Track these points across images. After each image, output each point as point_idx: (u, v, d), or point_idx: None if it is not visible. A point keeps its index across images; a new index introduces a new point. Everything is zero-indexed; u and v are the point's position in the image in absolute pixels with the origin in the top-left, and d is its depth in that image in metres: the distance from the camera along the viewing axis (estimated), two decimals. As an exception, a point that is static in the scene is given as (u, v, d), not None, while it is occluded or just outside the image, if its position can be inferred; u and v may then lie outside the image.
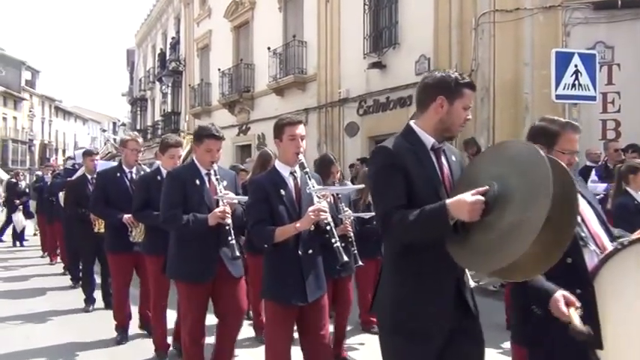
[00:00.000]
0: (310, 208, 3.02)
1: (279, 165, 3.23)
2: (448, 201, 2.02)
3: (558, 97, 6.84)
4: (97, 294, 6.61)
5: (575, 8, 9.17)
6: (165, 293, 4.62)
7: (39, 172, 16.02)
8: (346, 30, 13.30)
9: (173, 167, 4.31)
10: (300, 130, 3.17)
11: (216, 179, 3.67)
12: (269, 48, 15.75)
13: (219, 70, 18.96)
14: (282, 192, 3.12)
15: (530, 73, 9.25)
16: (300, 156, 3.16)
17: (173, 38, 25.68)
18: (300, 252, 3.10)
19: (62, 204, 8.01)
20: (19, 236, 13.27)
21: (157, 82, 27.09)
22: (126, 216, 4.88)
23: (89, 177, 6.49)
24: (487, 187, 1.98)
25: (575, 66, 6.73)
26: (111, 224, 5.14)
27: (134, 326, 5.45)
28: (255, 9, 17.63)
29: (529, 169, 1.90)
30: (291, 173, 3.21)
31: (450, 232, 2.02)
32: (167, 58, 25.82)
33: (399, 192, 2.15)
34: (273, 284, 3.13)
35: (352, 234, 4.14)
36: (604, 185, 6.58)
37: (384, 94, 11.95)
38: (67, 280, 8.40)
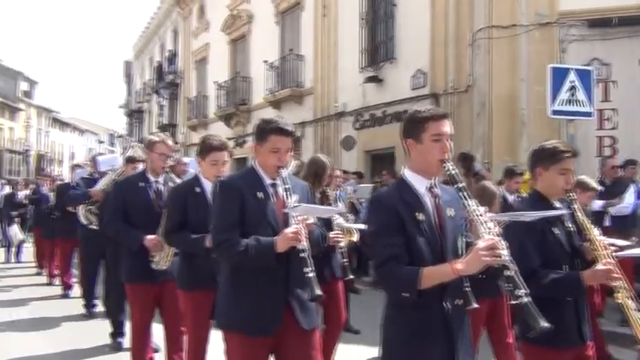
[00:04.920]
0: (482, 243, 1.98)
1: (411, 176, 2.28)
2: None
3: (554, 112, 6.81)
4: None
5: (571, 25, 9.18)
6: (206, 338, 3.62)
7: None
8: (343, 44, 13.32)
9: (216, 176, 3.43)
10: (448, 127, 2.24)
11: (286, 189, 2.69)
12: (266, 61, 15.78)
13: (215, 82, 18.98)
14: (420, 216, 2.18)
15: (526, 88, 9.22)
16: (449, 164, 2.20)
17: (170, 51, 25.76)
18: (447, 304, 2.17)
19: (82, 219, 6.60)
20: (16, 251, 12.11)
21: (154, 94, 27.12)
22: (149, 237, 3.90)
23: None
24: None
25: (572, 82, 6.72)
26: (128, 247, 4.14)
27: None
28: (252, 23, 17.71)
29: None
30: (429, 189, 2.27)
31: None
32: (164, 70, 25.86)
33: None
34: (410, 350, 2.18)
35: None
36: (601, 202, 6.47)
37: (381, 108, 11.91)
38: (72, 304, 7.25)
